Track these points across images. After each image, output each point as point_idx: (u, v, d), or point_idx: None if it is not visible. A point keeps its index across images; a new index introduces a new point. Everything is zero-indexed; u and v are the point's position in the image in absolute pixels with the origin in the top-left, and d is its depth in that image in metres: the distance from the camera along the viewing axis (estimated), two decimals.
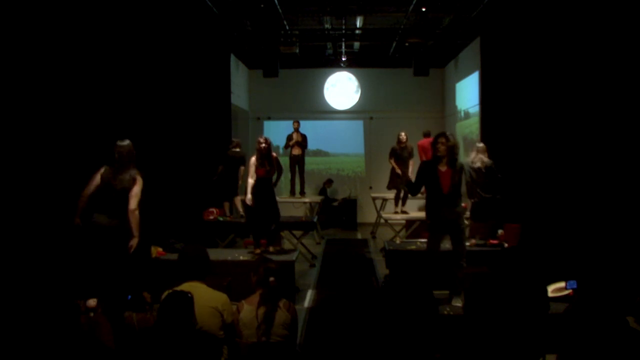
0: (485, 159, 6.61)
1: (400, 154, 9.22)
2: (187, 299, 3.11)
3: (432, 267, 5.02)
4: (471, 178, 6.39)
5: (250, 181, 6.40)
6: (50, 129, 4.60)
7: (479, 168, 6.54)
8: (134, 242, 4.76)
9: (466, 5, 8.57)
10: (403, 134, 9.33)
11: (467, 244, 6.57)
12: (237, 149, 8.91)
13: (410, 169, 9.14)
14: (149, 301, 3.89)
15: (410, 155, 9.29)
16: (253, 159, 6.39)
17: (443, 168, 4.99)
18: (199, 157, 8.47)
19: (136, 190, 4.75)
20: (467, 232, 5.54)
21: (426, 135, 10.23)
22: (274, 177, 6.67)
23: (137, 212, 4.74)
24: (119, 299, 3.52)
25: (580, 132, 5.62)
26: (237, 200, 8.74)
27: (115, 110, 5.58)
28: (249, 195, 6.39)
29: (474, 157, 6.63)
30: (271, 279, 3.44)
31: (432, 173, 5.00)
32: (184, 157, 7.77)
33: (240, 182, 8.62)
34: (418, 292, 3.11)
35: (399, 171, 9.09)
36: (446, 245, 5.23)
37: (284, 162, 8.35)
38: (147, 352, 3.13)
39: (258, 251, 6.34)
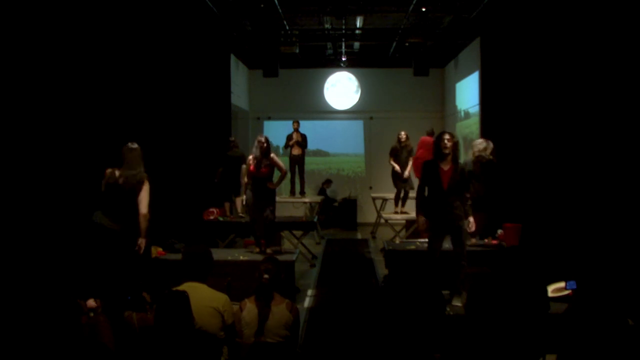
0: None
1: (399, 153, 9.27)
2: (184, 298, 3.11)
3: (433, 267, 5.02)
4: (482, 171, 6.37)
5: (245, 181, 6.52)
6: (52, 129, 4.60)
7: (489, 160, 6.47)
8: (142, 242, 4.80)
9: (466, 5, 8.57)
10: (403, 133, 9.38)
11: (467, 243, 6.61)
12: (236, 149, 8.91)
13: (408, 167, 9.17)
14: (149, 301, 3.89)
15: (410, 154, 9.33)
16: (250, 158, 6.37)
17: (446, 166, 5.01)
18: (199, 157, 8.47)
19: (144, 193, 4.76)
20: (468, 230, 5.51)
21: (430, 134, 10.23)
22: (276, 178, 6.63)
23: (148, 216, 4.78)
24: (119, 299, 3.53)
25: (580, 132, 5.62)
26: (238, 200, 8.73)
27: (116, 111, 5.59)
28: (244, 196, 6.50)
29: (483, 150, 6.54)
30: (265, 276, 3.45)
31: (434, 171, 5.02)
32: (184, 157, 7.77)
33: (242, 180, 8.59)
34: (427, 292, 3.11)
35: (398, 169, 9.14)
36: (445, 245, 5.23)
37: (284, 162, 8.34)
38: (147, 352, 3.13)
39: (257, 250, 6.34)
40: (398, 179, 9.28)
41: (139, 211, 4.73)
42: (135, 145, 4.86)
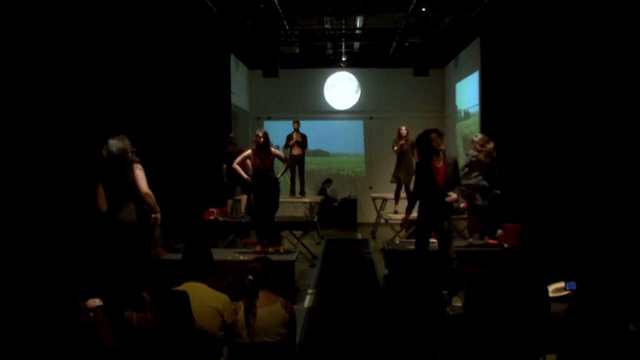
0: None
1: (401, 148, 9.22)
2: (184, 298, 3.11)
3: (433, 267, 5.04)
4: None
5: (236, 165, 6.59)
6: (53, 128, 4.60)
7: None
8: (157, 215, 4.81)
9: (466, 5, 8.57)
10: (404, 128, 9.30)
11: (465, 242, 6.63)
12: (235, 145, 8.89)
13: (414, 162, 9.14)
14: (149, 301, 3.89)
15: (413, 148, 9.28)
16: (249, 151, 6.42)
17: (439, 163, 5.04)
18: (199, 157, 8.47)
19: (138, 175, 4.72)
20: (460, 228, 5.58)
21: None
22: (279, 170, 6.75)
23: (150, 192, 4.75)
24: (119, 298, 3.52)
25: (580, 132, 5.62)
26: (244, 198, 8.71)
27: (116, 110, 5.59)
28: (244, 175, 6.56)
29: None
30: (249, 277, 3.46)
31: (428, 171, 5.04)
32: (184, 157, 7.77)
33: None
34: (427, 292, 3.11)
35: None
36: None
37: None
38: (147, 352, 3.13)
39: (259, 249, 6.34)
40: (400, 170, 9.24)
41: (140, 193, 4.72)
42: (115, 142, 4.75)
